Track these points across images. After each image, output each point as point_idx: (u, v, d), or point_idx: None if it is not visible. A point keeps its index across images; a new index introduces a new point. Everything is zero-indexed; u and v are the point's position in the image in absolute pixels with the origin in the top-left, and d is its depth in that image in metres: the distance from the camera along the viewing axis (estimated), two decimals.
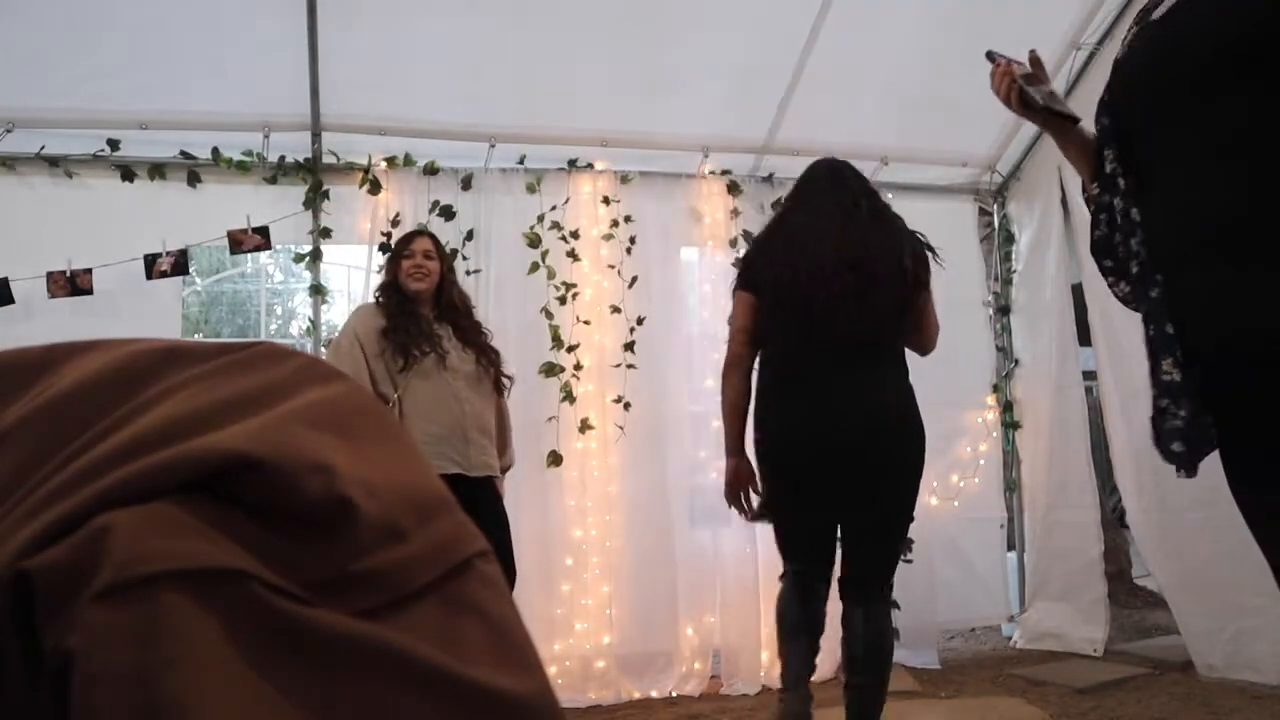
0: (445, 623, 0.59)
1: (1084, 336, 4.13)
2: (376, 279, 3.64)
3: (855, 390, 2.42)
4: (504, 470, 3.13)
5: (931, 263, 2.60)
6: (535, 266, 3.78)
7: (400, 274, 3.01)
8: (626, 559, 3.75)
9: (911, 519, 2.57)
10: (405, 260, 3.03)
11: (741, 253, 4.06)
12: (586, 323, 3.82)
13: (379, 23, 3.40)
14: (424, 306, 3.03)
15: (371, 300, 3.17)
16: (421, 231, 3.22)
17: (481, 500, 2.86)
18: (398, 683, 0.55)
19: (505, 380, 3.09)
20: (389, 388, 2.86)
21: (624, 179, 3.97)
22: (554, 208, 3.86)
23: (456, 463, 2.83)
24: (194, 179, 3.58)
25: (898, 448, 2.51)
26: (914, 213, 4.35)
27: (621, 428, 3.79)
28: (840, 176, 2.68)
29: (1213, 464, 1.27)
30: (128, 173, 3.51)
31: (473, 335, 3.06)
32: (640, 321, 3.85)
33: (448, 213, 3.75)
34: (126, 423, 0.59)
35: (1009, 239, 4.52)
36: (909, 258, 2.51)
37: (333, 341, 3.02)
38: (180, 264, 3.47)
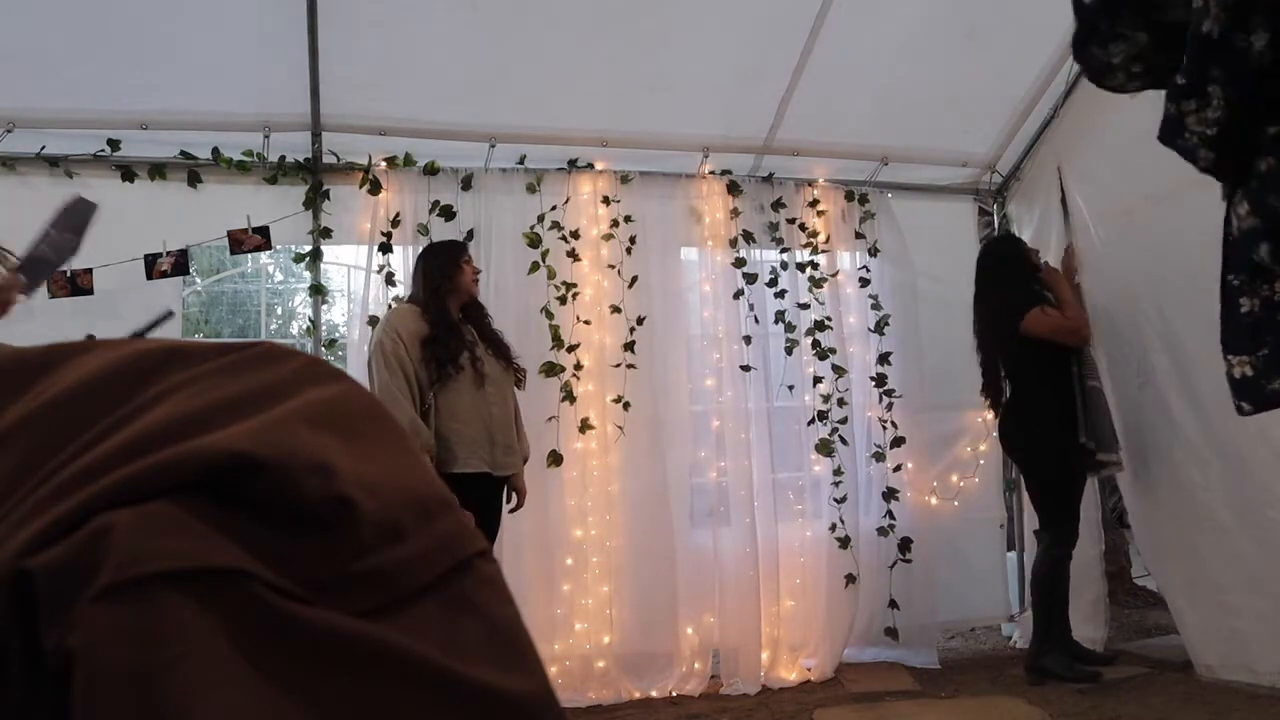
0: (445, 622, 0.59)
1: None
2: (377, 279, 3.68)
3: None
4: (523, 460, 3.29)
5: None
6: (535, 266, 3.78)
7: (464, 279, 3.19)
8: (626, 559, 3.75)
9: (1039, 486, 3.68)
10: (468, 266, 3.23)
11: (741, 253, 4.07)
12: (586, 323, 3.82)
13: (379, 22, 3.39)
14: (455, 311, 3.18)
15: (406, 303, 3.28)
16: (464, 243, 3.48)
17: (499, 497, 3.18)
18: (398, 682, 0.55)
19: (521, 373, 3.29)
20: (428, 392, 3.03)
21: (624, 179, 3.97)
22: (554, 208, 3.86)
23: (485, 461, 3.04)
24: (194, 179, 3.58)
25: None
26: (914, 213, 4.39)
27: (621, 428, 3.79)
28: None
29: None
30: (128, 173, 3.51)
31: (493, 335, 3.24)
32: (640, 321, 3.85)
33: (448, 213, 3.75)
34: (127, 423, 0.59)
35: None
36: None
37: (375, 342, 3.10)
38: (180, 264, 3.47)
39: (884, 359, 4.14)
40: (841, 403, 4.05)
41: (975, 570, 4.29)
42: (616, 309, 3.85)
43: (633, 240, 3.91)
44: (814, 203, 4.20)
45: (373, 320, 3.55)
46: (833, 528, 3.96)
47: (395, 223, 3.69)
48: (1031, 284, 3.67)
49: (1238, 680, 3.25)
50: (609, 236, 3.90)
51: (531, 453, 3.62)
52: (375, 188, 3.71)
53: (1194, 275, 3.41)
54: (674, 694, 3.66)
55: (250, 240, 3.55)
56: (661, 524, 3.77)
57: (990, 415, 3.97)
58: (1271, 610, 3.14)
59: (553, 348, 3.75)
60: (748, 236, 4.07)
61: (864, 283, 4.24)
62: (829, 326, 4.10)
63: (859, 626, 3.98)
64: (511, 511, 3.26)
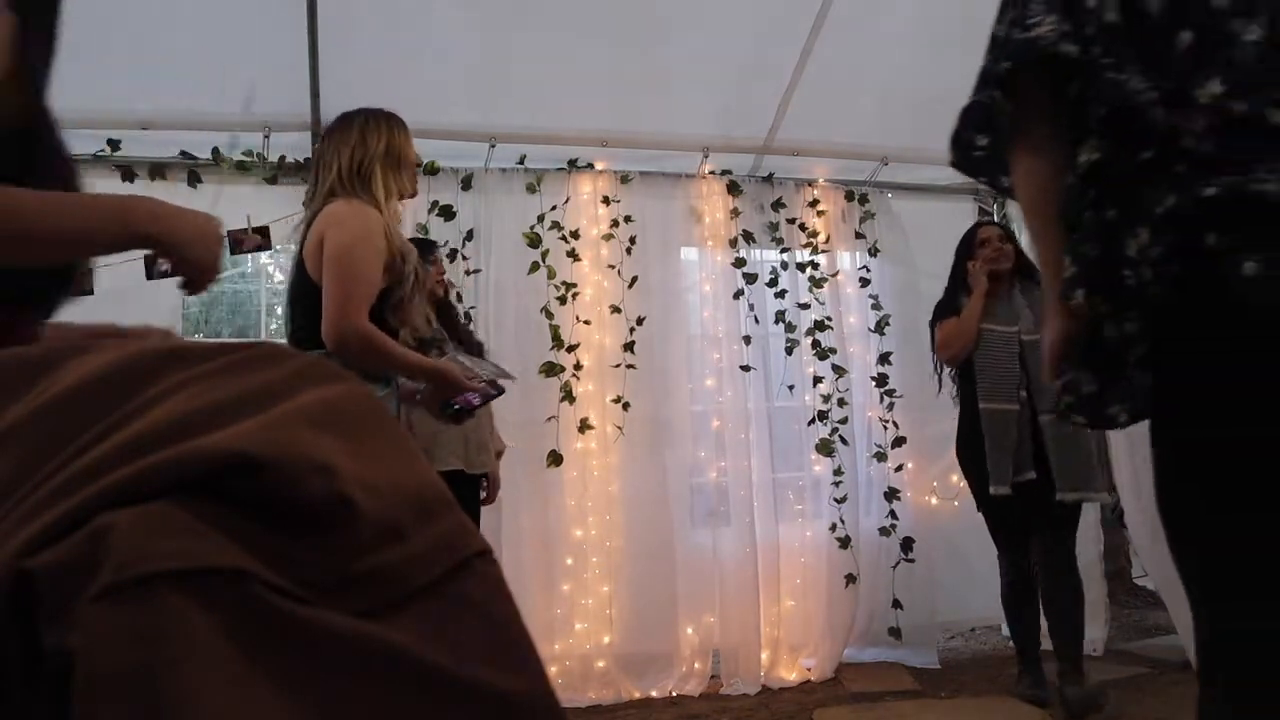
0: (445, 622, 0.59)
1: None
2: None
3: None
4: (498, 454, 3.27)
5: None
6: (535, 266, 3.78)
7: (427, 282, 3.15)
8: (626, 559, 3.75)
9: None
10: (433, 268, 3.17)
11: (741, 253, 4.07)
12: (586, 323, 3.82)
13: (379, 23, 3.39)
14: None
15: None
16: (433, 241, 3.43)
17: (476, 495, 3.16)
18: (397, 682, 0.55)
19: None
20: None
21: (624, 179, 3.97)
22: (554, 208, 3.86)
23: (459, 457, 3.01)
24: (194, 179, 3.58)
25: None
26: (914, 213, 4.39)
27: (621, 428, 3.79)
28: None
29: None
30: (128, 173, 3.50)
31: (465, 335, 3.23)
32: (640, 321, 3.85)
33: (448, 213, 3.75)
34: (127, 423, 0.59)
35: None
36: None
37: None
38: None
39: (884, 359, 4.15)
40: (842, 403, 4.05)
41: (975, 570, 4.27)
42: (616, 309, 3.85)
43: (633, 240, 3.91)
44: (814, 203, 4.20)
45: None
46: (833, 528, 3.96)
47: None
48: (958, 290, 3.39)
49: None
50: (609, 236, 3.90)
51: (531, 453, 3.64)
52: None
53: None
54: (674, 694, 3.66)
55: (250, 240, 3.55)
56: (661, 524, 3.77)
57: None
58: None
59: (552, 348, 3.75)
60: (748, 236, 4.07)
61: (864, 283, 4.25)
62: (829, 326, 4.10)
63: (859, 626, 3.98)
64: (485, 504, 3.25)
